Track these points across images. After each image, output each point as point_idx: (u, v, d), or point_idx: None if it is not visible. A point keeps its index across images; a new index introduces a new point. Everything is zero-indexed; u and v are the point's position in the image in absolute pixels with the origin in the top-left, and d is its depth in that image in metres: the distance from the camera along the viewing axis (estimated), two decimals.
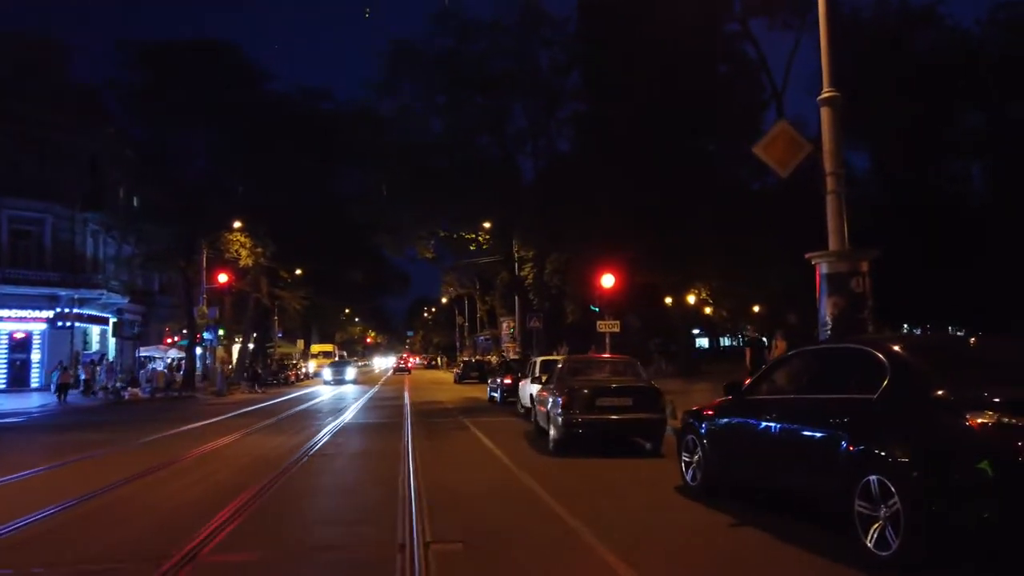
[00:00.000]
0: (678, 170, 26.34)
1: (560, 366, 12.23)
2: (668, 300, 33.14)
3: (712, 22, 29.40)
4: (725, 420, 7.06)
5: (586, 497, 7.48)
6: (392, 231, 31.93)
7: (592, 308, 22.98)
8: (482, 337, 56.67)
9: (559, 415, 10.56)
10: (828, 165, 9.98)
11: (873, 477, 4.79)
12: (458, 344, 71.85)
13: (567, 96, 31.56)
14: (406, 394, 29.69)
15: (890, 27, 31.21)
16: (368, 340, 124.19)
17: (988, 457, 4.25)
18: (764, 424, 6.26)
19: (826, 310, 9.52)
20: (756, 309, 38.63)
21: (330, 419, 17.95)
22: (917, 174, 31.83)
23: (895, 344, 5.55)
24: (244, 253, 34.54)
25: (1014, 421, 4.24)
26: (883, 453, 4.79)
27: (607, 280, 20.09)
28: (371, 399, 26.94)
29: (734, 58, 31.69)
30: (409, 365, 73.44)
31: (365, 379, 50.63)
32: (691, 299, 34.07)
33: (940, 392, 4.70)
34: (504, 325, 42.34)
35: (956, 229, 29.16)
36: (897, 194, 32.14)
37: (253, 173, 34.15)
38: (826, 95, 9.93)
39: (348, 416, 19.20)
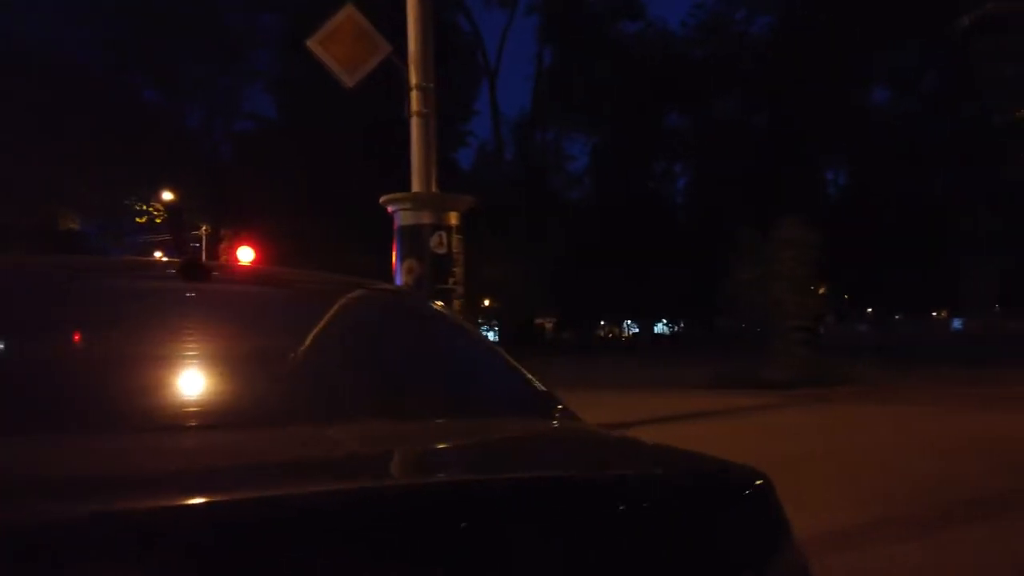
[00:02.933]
0: (366, 144, 23.33)
1: None
2: None
3: None
4: None
5: None
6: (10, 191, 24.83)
7: None
8: None
9: None
10: (413, 76, 6.97)
11: None
12: None
13: (257, 46, 27.02)
14: None
15: (603, 20, 30.80)
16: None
17: None
18: None
19: (400, 278, 6.54)
20: (487, 302, 36.59)
21: None
22: (626, 171, 31.73)
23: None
24: None
25: None
26: None
27: (244, 254, 16.13)
28: None
29: (448, 31, 29.49)
30: None
31: None
32: None
33: None
34: None
35: (658, 228, 29.24)
36: (606, 190, 31.92)
37: None
38: None
39: None
